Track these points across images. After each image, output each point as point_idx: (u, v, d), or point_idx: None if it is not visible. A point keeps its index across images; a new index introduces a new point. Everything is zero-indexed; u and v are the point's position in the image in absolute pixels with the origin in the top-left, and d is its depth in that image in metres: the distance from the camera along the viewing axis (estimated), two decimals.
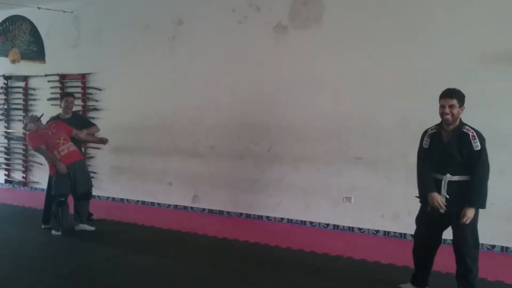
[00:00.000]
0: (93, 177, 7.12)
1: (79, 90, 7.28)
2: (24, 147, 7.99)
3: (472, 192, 3.17)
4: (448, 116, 3.22)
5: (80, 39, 7.32)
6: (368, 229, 5.35)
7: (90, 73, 7.24)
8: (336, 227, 5.53)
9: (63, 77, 7.46)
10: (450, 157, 3.25)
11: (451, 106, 3.21)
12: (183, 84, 6.42)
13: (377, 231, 5.30)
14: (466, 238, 3.20)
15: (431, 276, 3.52)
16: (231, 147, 6.14)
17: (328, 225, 5.57)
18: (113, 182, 7.16)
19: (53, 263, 4.17)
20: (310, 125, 5.57)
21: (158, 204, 6.81)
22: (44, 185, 5.61)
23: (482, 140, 3.18)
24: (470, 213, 3.13)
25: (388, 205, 5.21)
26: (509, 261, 4.44)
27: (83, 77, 7.27)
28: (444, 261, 3.56)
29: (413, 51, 4.97)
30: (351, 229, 5.43)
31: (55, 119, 5.43)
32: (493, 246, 4.74)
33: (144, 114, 6.69)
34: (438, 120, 4.83)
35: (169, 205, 6.72)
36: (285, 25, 5.67)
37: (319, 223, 5.62)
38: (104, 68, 7.11)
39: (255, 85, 5.90)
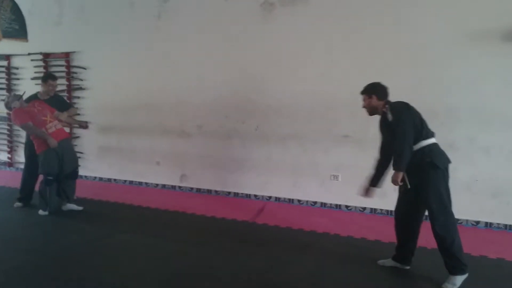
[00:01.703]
0: (80, 157, 7.09)
1: (63, 69, 7.15)
2: (9, 127, 7.88)
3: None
4: (366, 110, 3.62)
5: (63, 17, 7.16)
6: (355, 207, 5.41)
7: (74, 52, 7.11)
8: (323, 204, 5.57)
9: (46, 56, 7.31)
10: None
11: (363, 101, 3.60)
12: (169, 62, 6.34)
13: (364, 208, 5.36)
14: (430, 205, 3.24)
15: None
16: (218, 126, 6.11)
17: (315, 203, 5.62)
18: (100, 162, 7.12)
19: (41, 244, 4.14)
20: (297, 104, 5.55)
21: (146, 183, 6.79)
22: None
23: (394, 108, 3.33)
24: (393, 176, 3.29)
25: None
26: (493, 236, 4.52)
27: (67, 55, 7.13)
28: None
29: (401, 30, 4.95)
30: (338, 206, 5.49)
31: (34, 98, 5.33)
32: (478, 222, 4.82)
33: (130, 94, 6.61)
34: (426, 98, 4.88)
35: (157, 185, 6.71)
36: (272, 2, 5.59)
37: (307, 201, 5.66)
38: (89, 47, 6.98)
39: (242, 64, 5.85)
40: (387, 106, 3.39)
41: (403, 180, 3.28)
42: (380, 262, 3.68)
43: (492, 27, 4.58)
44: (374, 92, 3.51)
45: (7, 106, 5.06)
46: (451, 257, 3.23)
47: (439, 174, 3.23)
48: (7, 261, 3.67)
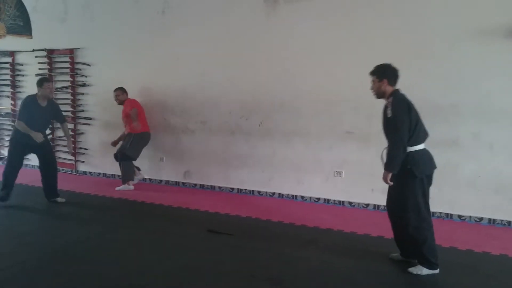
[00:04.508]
0: (83, 153, 7.18)
1: (67, 65, 7.19)
2: (13, 124, 7.91)
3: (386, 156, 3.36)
4: (372, 92, 3.51)
5: (67, 13, 7.17)
6: (358, 203, 5.41)
7: (78, 48, 7.13)
8: (326, 201, 5.58)
9: (50, 52, 7.34)
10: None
11: (372, 83, 3.48)
12: (173, 59, 6.35)
13: (367, 205, 5.36)
14: (405, 211, 3.32)
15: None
16: (222, 122, 6.13)
17: (319, 199, 5.63)
18: (104, 158, 7.13)
19: (45, 239, 4.16)
20: (301, 100, 5.56)
21: (150, 180, 6.82)
22: (34, 161, 5.56)
23: (396, 107, 3.25)
24: (383, 174, 3.34)
25: (378, 179, 5.19)
26: (496, 233, 4.51)
27: (71, 52, 7.16)
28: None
29: (405, 26, 4.94)
30: (341, 203, 5.49)
31: (33, 99, 5.17)
32: (481, 219, 4.82)
33: (134, 90, 6.59)
34: (430, 94, 4.89)
35: (161, 181, 6.73)
36: None
37: (310, 197, 5.67)
38: (93, 43, 7.00)
39: (245, 60, 5.85)
40: (390, 100, 3.32)
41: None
42: (391, 256, 3.69)
43: (496, 23, 4.57)
44: (386, 76, 3.39)
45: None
46: (420, 255, 3.34)
47: (416, 183, 3.28)
48: (11, 256, 3.69)
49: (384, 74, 3.39)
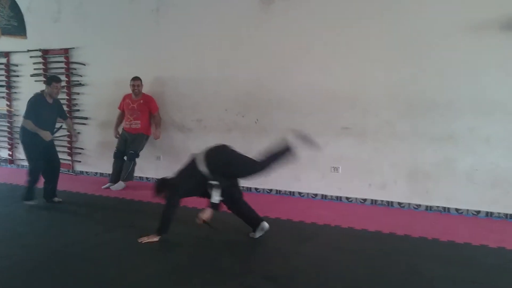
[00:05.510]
0: (80, 153, 7.15)
1: (62, 65, 7.17)
2: (9, 124, 7.88)
3: None
4: None
5: (61, 13, 7.15)
6: (356, 198, 5.41)
7: (73, 48, 7.11)
8: (324, 197, 5.58)
9: (45, 53, 7.32)
10: None
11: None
12: (168, 57, 6.34)
13: (365, 200, 5.36)
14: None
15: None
16: (218, 120, 6.12)
17: (316, 195, 5.62)
18: (100, 158, 7.12)
19: (43, 239, 4.14)
20: (297, 97, 5.55)
21: (147, 178, 6.80)
22: None
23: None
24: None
25: (375, 175, 5.27)
26: (493, 226, 4.52)
27: (66, 52, 7.14)
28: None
29: (401, 21, 4.94)
30: (339, 198, 5.49)
31: (40, 96, 5.16)
32: (478, 212, 4.82)
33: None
34: (426, 89, 4.89)
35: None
36: None
37: (308, 194, 5.67)
38: (87, 42, 6.98)
39: (241, 57, 5.85)
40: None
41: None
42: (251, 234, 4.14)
43: (491, 17, 4.57)
44: (164, 188, 4.12)
45: None
46: None
47: None
48: (9, 257, 3.67)
49: (162, 188, 4.13)
